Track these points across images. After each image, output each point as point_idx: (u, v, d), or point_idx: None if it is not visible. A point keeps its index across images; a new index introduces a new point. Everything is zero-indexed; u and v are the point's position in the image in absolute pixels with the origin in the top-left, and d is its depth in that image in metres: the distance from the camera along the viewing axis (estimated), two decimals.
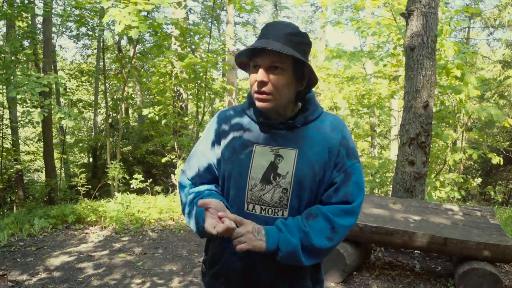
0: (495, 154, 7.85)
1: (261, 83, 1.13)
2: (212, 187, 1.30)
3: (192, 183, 1.32)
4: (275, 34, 1.14)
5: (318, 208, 1.19)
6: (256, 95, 1.16)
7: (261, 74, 1.13)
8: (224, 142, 1.27)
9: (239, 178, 1.20)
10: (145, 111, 8.04)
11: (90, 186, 8.31)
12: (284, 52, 1.09)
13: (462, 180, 7.59)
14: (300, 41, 1.16)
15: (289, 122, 1.21)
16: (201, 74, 7.74)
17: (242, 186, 1.20)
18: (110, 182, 8.02)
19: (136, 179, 7.80)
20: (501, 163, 7.88)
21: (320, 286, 1.34)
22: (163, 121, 8.08)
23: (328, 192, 1.21)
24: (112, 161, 7.94)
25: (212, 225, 1.08)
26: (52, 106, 7.10)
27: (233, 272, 1.25)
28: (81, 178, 8.40)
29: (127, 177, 7.94)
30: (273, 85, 1.14)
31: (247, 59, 1.22)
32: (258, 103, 1.16)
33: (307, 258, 1.15)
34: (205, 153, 1.30)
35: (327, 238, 1.15)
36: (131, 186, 7.79)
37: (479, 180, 8.67)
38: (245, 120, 1.27)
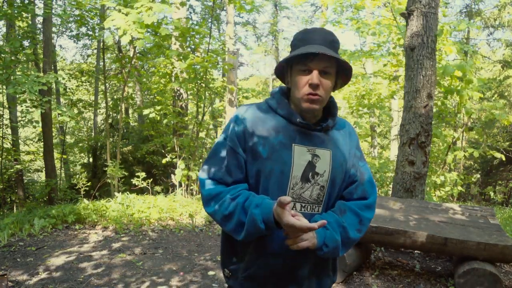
0: (495, 151, 7.85)
1: (316, 86, 1.21)
2: (246, 186, 1.29)
3: (221, 183, 1.28)
4: (323, 41, 1.23)
5: (344, 204, 1.33)
6: (308, 97, 1.22)
7: (316, 77, 1.20)
8: (257, 140, 1.26)
9: (281, 176, 1.24)
10: (146, 111, 8.04)
11: (89, 184, 8.30)
12: (340, 59, 1.20)
13: (461, 179, 7.58)
14: (338, 47, 1.29)
15: (323, 125, 1.30)
16: (201, 74, 7.74)
17: (284, 184, 1.25)
18: (109, 181, 8.02)
19: (138, 177, 7.80)
20: (504, 159, 7.89)
21: (336, 274, 1.48)
22: (164, 121, 8.07)
23: (349, 189, 1.35)
24: (111, 160, 7.94)
25: (294, 220, 1.10)
26: (52, 105, 7.09)
27: (271, 273, 1.31)
28: (81, 178, 8.40)
29: (126, 173, 7.93)
30: (323, 88, 1.22)
31: (286, 64, 1.30)
32: (308, 104, 1.23)
33: (343, 250, 1.29)
34: (235, 150, 1.27)
35: (357, 230, 1.30)
36: (134, 184, 7.79)
37: (477, 176, 8.67)
38: (278, 119, 1.30)
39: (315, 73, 1.20)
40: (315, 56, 1.20)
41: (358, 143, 1.42)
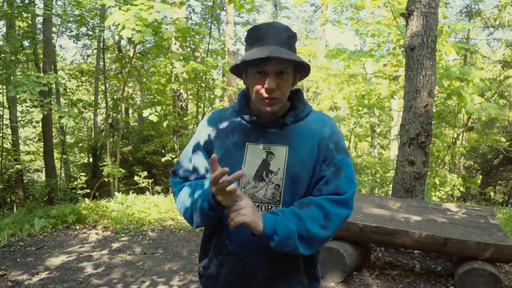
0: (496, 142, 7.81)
1: (272, 90, 1.17)
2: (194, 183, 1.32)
3: (185, 180, 1.33)
4: (277, 39, 1.18)
5: (310, 198, 1.20)
6: (265, 101, 1.19)
7: (271, 82, 1.17)
8: (216, 142, 1.29)
9: None
10: (145, 113, 8.04)
11: (88, 190, 8.30)
12: (297, 61, 1.16)
13: (463, 181, 7.58)
14: (294, 42, 1.24)
15: (280, 121, 1.25)
16: (201, 75, 7.74)
17: (236, 184, 1.18)
18: (107, 179, 8.01)
19: (140, 176, 7.80)
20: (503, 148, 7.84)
21: (317, 283, 1.33)
22: (165, 123, 8.08)
23: (318, 186, 1.22)
24: (109, 159, 7.93)
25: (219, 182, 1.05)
26: (52, 105, 7.10)
27: (231, 272, 1.25)
28: (80, 179, 8.40)
29: (123, 171, 7.94)
30: (281, 89, 1.19)
31: (243, 65, 1.24)
32: (267, 108, 1.20)
33: (304, 246, 1.14)
34: (198, 153, 1.32)
35: (320, 225, 1.15)
36: (136, 182, 7.80)
37: (479, 177, 8.67)
38: (237, 120, 1.30)
39: (270, 77, 1.17)
40: (270, 59, 1.15)
41: (334, 135, 1.28)
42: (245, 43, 1.28)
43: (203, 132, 1.34)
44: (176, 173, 1.37)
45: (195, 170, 1.32)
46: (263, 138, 1.24)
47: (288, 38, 1.21)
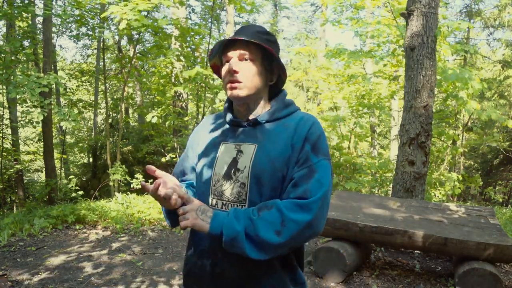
0: (495, 141, 7.81)
1: (233, 72, 1.19)
2: (192, 183, 1.37)
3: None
4: (245, 32, 1.23)
5: (274, 201, 1.14)
6: (229, 85, 1.21)
7: (233, 63, 1.19)
8: (200, 143, 1.35)
9: (205, 173, 1.26)
10: (148, 116, 8.04)
11: (81, 192, 8.31)
12: (253, 41, 1.17)
13: (462, 181, 7.58)
14: (268, 39, 1.25)
15: (253, 119, 1.25)
16: (203, 76, 7.74)
17: (207, 180, 1.24)
18: (111, 183, 8.03)
19: (137, 179, 7.80)
20: (502, 148, 7.84)
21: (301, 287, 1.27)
22: (167, 123, 8.08)
23: (287, 188, 1.16)
24: (114, 163, 7.94)
25: (155, 189, 1.11)
26: (52, 106, 7.10)
27: (203, 271, 1.25)
28: (72, 180, 8.37)
29: (128, 178, 7.95)
30: (243, 73, 1.20)
31: (220, 61, 1.30)
32: (230, 92, 1.21)
33: (252, 249, 1.09)
34: (188, 155, 1.40)
35: (275, 231, 1.08)
36: (132, 186, 7.80)
37: (479, 180, 8.66)
38: (221, 122, 1.35)
39: (233, 60, 1.20)
40: (233, 44, 1.21)
41: (312, 135, 1.19)
42: None
43: (193, 135, 1.41)
44: (173, 174, 1.42)
45: (184, 172, 1.39)
46: (236, 137, 1.26)
47: (259, 32, 1.24)
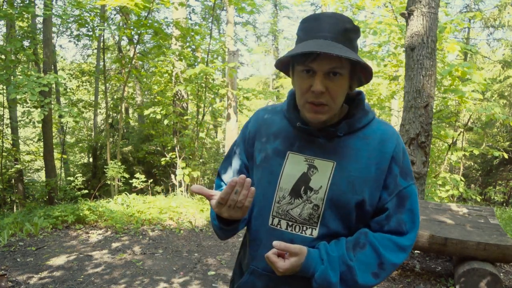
0: (495, 150, 7.86)
1: (319, 94, 0.97)
2: None
3: (224, 183, 1.24)
4: (332, 32, 0.97)
5: (366, 236, 1.03)
6: (309, 106, 1.00)
7: (319, 84, 0.96)
8: (258, 145, 1.15)
9: (268, 187, 1.08)
10: (147, 112, 8.06)
11: (86, 190, 8.32)
12: (351, 59, 0.93)
13: (462, 184, 7.59)
14: (356, 38, 1.02)
15: (329, 130, 1.04)
16: (202, 75, 7.75)
17: (270, 196, 1.07)
18: (109, 182, 8.03)
19: (137, 178, 7.81)
20: (506, 156, 7.88)
21: None
22: (165, 121, 8.09)
23: (378, 219, 1.04)
24: (111, 161, 7.94)
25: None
26: (53, 105, 7.10)
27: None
28: (77, 180, 8.39)
29: (127, 176, 7.96)
30: (331, 94, 0.98)
31: (289, 59, 1.06)
32: (312, 115, 1.01)
33: None
34: (239, 154, 1.20)
35: (372, 273, 1.00)
36: (133, 185, 7.81)
37: (477, 192, 8.68)
38: (283, 123, 1.13)
39: (318, 77, 0.96)
40: (318, 54, 0.95)
41: (399, 155, 1.04)
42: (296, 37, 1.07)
43: (246, 131, 1.20)
44: (219, 175, 1.26)
45: (232, 175, 1.21)
46: (308, 148, 1.06)
47: (346, 30, 0.98)
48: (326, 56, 0.95)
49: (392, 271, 1.04)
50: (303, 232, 1.04)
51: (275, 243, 0.95)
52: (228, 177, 1.22)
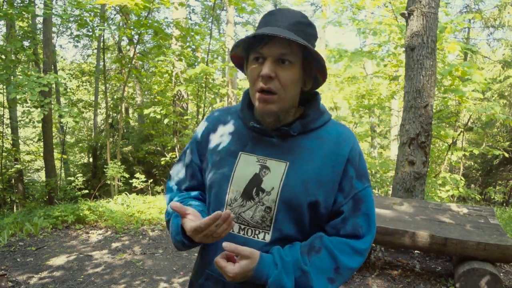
0: (496, 149, 7.88)
1: (268, 79, 0.94)
2: (197, 194, 1.16)
3: (178, 189, 1.20)
4: (285, 22, 0.96)
5: (321, 240, 0.99)
6: (258, 95, 0.97)
7: (267, 67, 0.94)
8: (211, 146, 1.12)
9: (219, 190, 1.04)
10: (147, 111, 8.07)
11: (86, 190, 8.32)
12: (300, 42, 0.91)
13: (462, 183, 7.60)
14: (311, 33, 1.00)
15: (283, 129, 1.01)
16: (202, 75, 7.75)
17: (221, 199, 1.03)
18: (109, 181, 8.03)
19: (137, 178, 7.81)
20: (506, 155, 7.89)
21: None
22: (165, 120, 8.09)
23: (334, 223, 1.02)
24: (111, 161, 7.95)
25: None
26: (52, 105, 7.11)
27: None
28: (77, 180, 8.39)
29: (127, 176, 7.96)
30: (280, 81, 0.95)
31: (244, 53, 1.05)
32: (260, 105, 0.98)
33: None
34: (192, 156, 1.17)
35: (328, 279, 0.97)
36: (133, 185, 7.81)
37: (477, 191, 8.70)
38: (237, 124, 1.11)
39: (268, 61, 0.94)
40: (270, 40, 0.94)
41: (355, 156, 1.02)
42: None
43: (199, 133, 1.17)
44: (171, 177, 1.23)
45: (187, 177, 1.18)
46: (261, 148, 1.03)
47: (299, 23, 0.97)
48: (276, 42, 0.94)
49: (349, 276, 1.01)
50: (256, 236, 1.00)
51: (224, 244, 0.90)
52: (180, 179, 1.19)
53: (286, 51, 0.95)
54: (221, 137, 1.11)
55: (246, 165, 1.02)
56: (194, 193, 1.15)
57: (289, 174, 0.99)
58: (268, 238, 0.99)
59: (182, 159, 1.22)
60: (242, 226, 1.01)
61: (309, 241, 1.00)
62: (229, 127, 1.11)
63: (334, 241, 1.00)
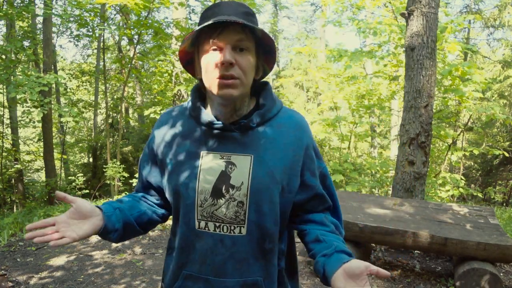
0: (496, 149, 7.88)
1: (229, 65, 0.94)
2: (139, 195, 1.17)
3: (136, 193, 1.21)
4: (234, 13, 0.97)
5: (326, 219, 1.10)
6: (219, 81, 0.95)
7: (228, 54, 0.93)
8: (166, 151, 1.08)
9: (186, 193, 1.01)
10: (147, 112, 8.07)
11: (87, 190, 8.32)
12: (256, 28, 0.95)
13: (462, 183, 7.60)
14: (257, 23, 1.03)
15: (242, 122, 1.01)
16: None
17: (191, 202, 1.01)
18: (108, 181, 8.03)
19: (137, 178, 7.82)
20: (507, 155, 7.89)
21: None
22: None
23: (312, 204, 1.10)
24: (111, 161, 7.95)
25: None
26: (52, 105, 7.11)
27: None
28: (78, 180, 8.40)
29: (127, 176, 7.96)
30: (241, 67, 0.96)
31: (193, 47, 1.04)
32: (223, 91, 0.96)
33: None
34: (149, 167, 1.15)
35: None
36: (133, 185, 7.82)
37: (478, 191, 8.69)
38: (189, 123, 1.07)
39: (226, 49, 0.94)
40: (224, 28, 0.94)
41: (312, 140, 1.10)
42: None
43: (151, 141, 1.13)
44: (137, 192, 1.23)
45: (145, 183, 1.17)
46: (222, 145, 1.02)
47: (247, 14, 0.99)
48: (231, 29, 0.94)
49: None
50: (232, 231, 1.00)
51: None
52: (139, 185, 1.20)
53: (242, 36, 0.96)
54: (176, 139, 1.07)
55: (211, 164, 1.01)
56: (138, 195, 1.18)
57: (256, 166, 1.00)
58: (244, 231, 1.00)
59: (140, 172, 1.20)
60: (217, 224, 1.00)
61: (313, 235, 1.06)
62: (182, 128, 1.08)
63: (325, 218, 1.10)
